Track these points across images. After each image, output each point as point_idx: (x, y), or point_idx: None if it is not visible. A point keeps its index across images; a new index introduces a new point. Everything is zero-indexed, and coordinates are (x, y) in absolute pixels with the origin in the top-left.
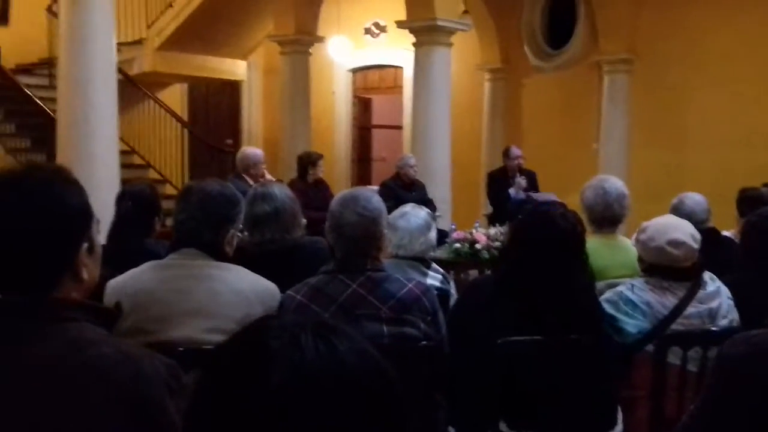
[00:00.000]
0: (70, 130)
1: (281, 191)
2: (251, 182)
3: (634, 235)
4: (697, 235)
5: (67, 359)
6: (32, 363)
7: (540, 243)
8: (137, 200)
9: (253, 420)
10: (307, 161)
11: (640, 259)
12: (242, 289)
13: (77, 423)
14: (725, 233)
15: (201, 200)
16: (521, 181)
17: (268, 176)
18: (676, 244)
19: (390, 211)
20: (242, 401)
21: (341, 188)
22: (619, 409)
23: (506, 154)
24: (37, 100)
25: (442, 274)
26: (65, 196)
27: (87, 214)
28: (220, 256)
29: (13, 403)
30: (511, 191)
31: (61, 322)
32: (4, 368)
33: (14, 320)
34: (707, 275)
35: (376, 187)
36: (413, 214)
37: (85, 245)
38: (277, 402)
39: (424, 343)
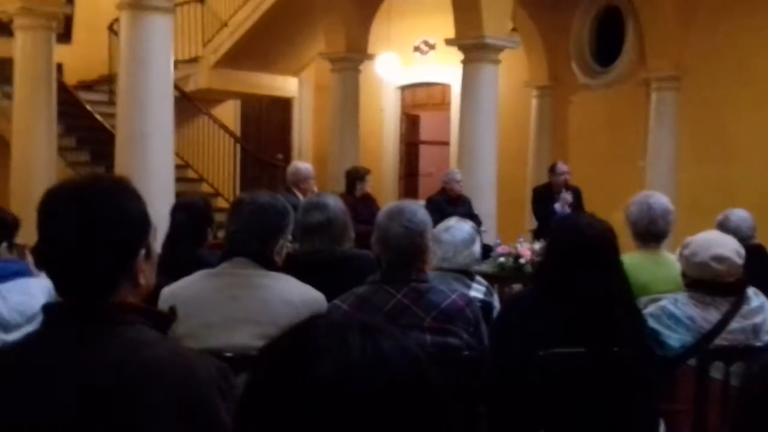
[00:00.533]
0: (128, 145)
1: (335, 202)
2: (301, 196)
3: (678, 250)
4: (741, 251)
5: (124, 360)
6: (91, 364)
7: (570, 252)
8: (191, 211)
9: (299, 413)
10: (355, 176)
11: (684, 275)
12: (290, 297)
13: (133, 422)
14: None
15: (252, 211)
16: (567, 196)
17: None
18: (719, 259)
19: (435, 225)
20: (289, 395)
21: (389, 203)
22: (662, 422)
23: (552, 169)
24: (97, 116)
25: (486, 287)
26: (125, 205)
27: (145, 222)
28: (270, 265)
29: (72, 403)
30: (557, 206)
31: (119, 325)
32: (66, 370)
33: (75, 323)
34: (751, 290)
35: (422, 202)
36: (458, 227)
37: (143, 252)
38: (323, 396)
39: (467, 353)
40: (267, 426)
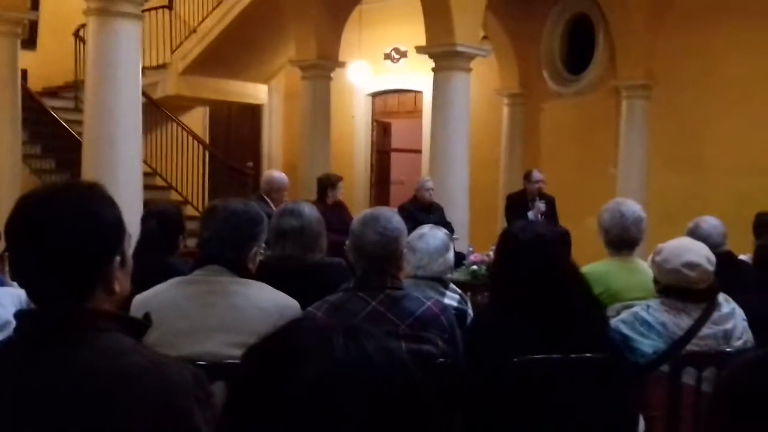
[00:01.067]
0: (95, 152)
1: (311, 211)
2: (273, 206)
3: (650, 257)
4: (713, 258)
5: (99, 368)
6: (65, 371)
7: (505, 259)
8: (162, 219)
9: (285, 415)
10: (327, 183)
11: (656, 281)
12: (264, 305)
13: (108, 430)
14: (742, 257)
15: (226, 218)
16: (540, 205)
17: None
18: (691, 266)
19: (408, 233)
20: (275, 396)
21: (360, 210)
22: (642, 421)
23: (527, 177)
24: (63, 123)
25: (460, 295)
26: (100, 211)
27: (120, 228)
28: (244, 272)
29: (46, 410)
30: (530, 215)
31: (93, 332)
32: (39, 376)
33: (49, 330)
34: (722, 297)
35: (394, 210)
36: (431, 235)
37: (118, 259)
38: (309, 398)
39: (441, 360)
40: (253, 428)
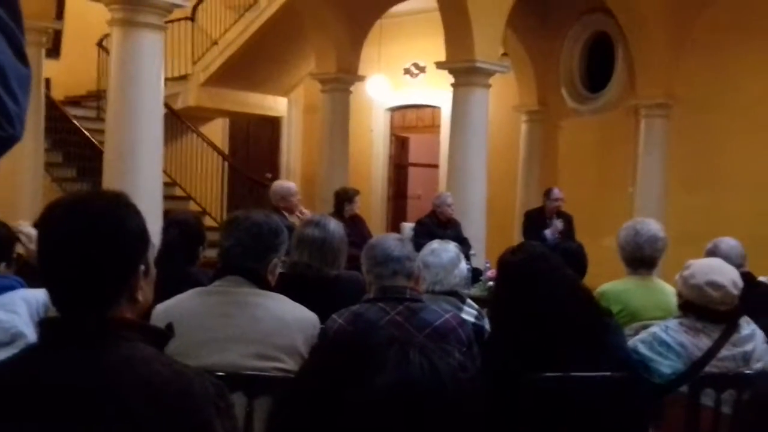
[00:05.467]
0: (116, 161)
1: (336, 227)
2: (287, 216)
3: (676, 276)
4: (739, 282)
5: (121, 376)
6: (88, 379)
7: (500, 279)
8: (183, 229)
9: (352, 417)
10: (344, 197)
11: (679, 294)
12: (283, 316)
13: None
14: (761, 278)
15: (246, 229)
16: (558, 223)
17: (305, 211)
18: (715, 286)
19: None
20: (344, 400)
21: (377, 224)
22: None
23: (547, 194)
24: (85, 131)
25: (477, 310)
26: (125, 221)
27: (145, 238)
28: (263, 283)
29: (67, 417)
30: (547, 233)
31: (116, 340)
32: (61, 383)
33: (72, 338)
34: (743, 318)
35: (411, 224)
36: (442, 249)
37: (142, 268)
38: (378, 403)
39: (462, 378)
40: (318, 423)
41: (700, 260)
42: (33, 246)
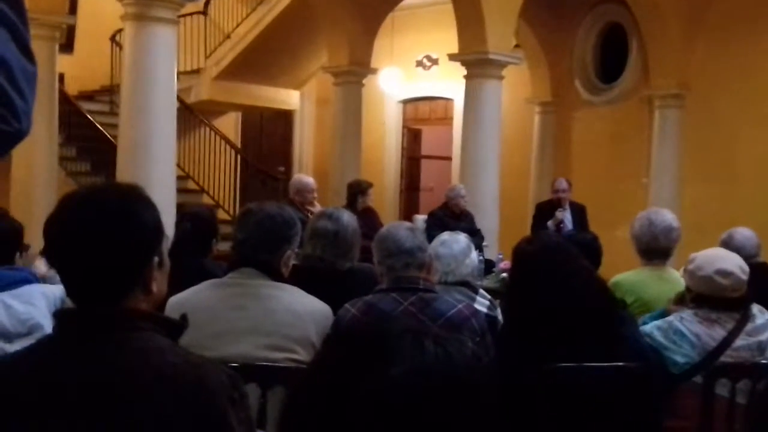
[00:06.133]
0: (130, 155)
1: (350, 220)
2: (302, 210)
3: (683, 267)
4: (745, 267)
5: (136, 367)
6: (103, 370)
7: (514, 269)
8: (196, 222)
9: (366, 408)
10: (357, 189)
11: (688, 289)
12: (296, 308)
13: (144, 429)
14: None
15: (260, 221)
16: (559, 214)
17: (318, 206)
18: (724, 273)
19: None
20: (359, 389)
21: (389, 217)
22: None
23: (552, 186)
24: (98, 126)
25: (490, 301)
26: (140, 213)
27: (159, 230)
28: (277, 276)
29: (83, 407)
30: (549, 224)
31: (131, 331)
32: (76, 374)
33: (87, 329)
34: (756, 308)
35: (424, 216)
36: (452, 239)
37: (156, 259)
38: (392, 394)
39: (478, 368)
40: (332, 414)
41: (702, 252)
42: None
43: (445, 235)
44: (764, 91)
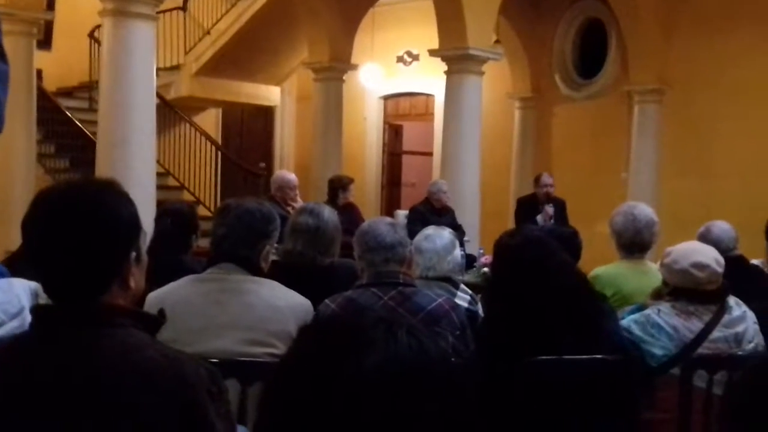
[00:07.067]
0: (109, 152)
1: (330, 215)
2: (283, 206)
3: (660, 261)
4: (721, 260)
5: (114, 363)
6: (81, 366)
7: (496, 263)
8: (176, 218)
9: (340, 397)
10: (338, 185)
11: (665, 283)
12: (276, 303)
13: (122, 425)
14: (754, 262)
15: (239, 216)
16: (549, 209)
17: (300, 203)
18: (700, 266)
19: None
20: (333, 380)
21: (371, 212)
22: None
23: (537, 181)
24: (77, 123)
25: (471, 296)
26: (117, 208)
27: (136, 225)
28: (256, 271)
29: (61, 404)
30: (539, 218)
31: (109, 327)
32: (54, 370)
33: (65, 325)
34: (733, 300)
35: (405, 212)
36: (437, 234)
37: (134, 254)
38: (365, 384)
39: (452, 360)
40: (305, 406)
41: (678, 246)
42: None
43: (430, 230)
44: (742, 84)
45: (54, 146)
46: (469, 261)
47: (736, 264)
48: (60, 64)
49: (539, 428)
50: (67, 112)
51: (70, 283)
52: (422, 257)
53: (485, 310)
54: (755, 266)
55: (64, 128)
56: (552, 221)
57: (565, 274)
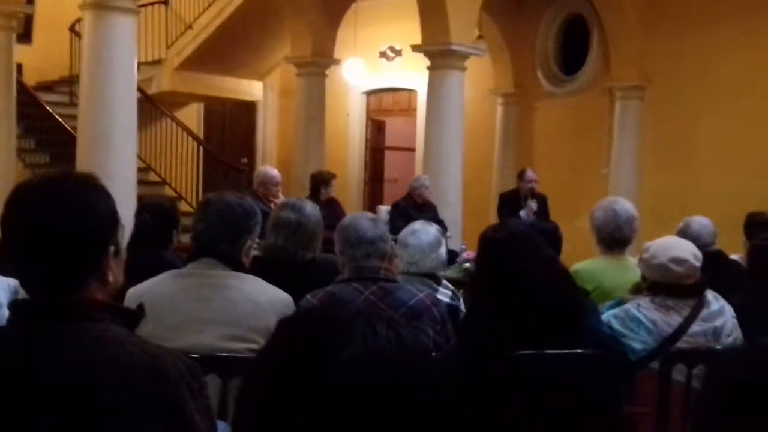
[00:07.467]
0: (90, 147)
1: (312, 210)
2: (265, 202)
3: (638, 256)
4: (699, 254)
5: (92, 357)
6: (59, 361)
7: (480, 256)
8: (156, 213)
9: (319, 390)
10: (320, 180)
11: (644, 278)
12: (258, 298)
13: (101, 420)
14: (733, 257)
15: (220, 211)
16: (532, 204)
17: (282, 198)
18: (678, 261)
19: (401, 231)
20: (312, 372)
21: (353, 208)
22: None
23: (521, 176)
24: (58, 117)
25: (452, 291)
26: (95, 202)
27: (114, 219)
28: (237, 266)
29: (39, 399)
30: (522, 213)
31: (87, 321)
32: (32, 366)
33: (43, 320)
34: (711, 294)
35: (387, 207)
36: (423, 231)
37: (112, 249)
38: (344, 376)
39: (434, 354)
40: (285, 398)
41: (656, 241)
42: None
43: (417, 225)
44: (722, 81)
45: (34, 141)
46: (451, 256)
47: (715, 259)
48: (40, 58)
49: (521, 422)
50: (48, 107)
51: (48, 277)
52: (406, 252)
53: (468, 304)
54: (734, 261)
55: (45, 123)
56: (535, 217)
57: (549, 269)
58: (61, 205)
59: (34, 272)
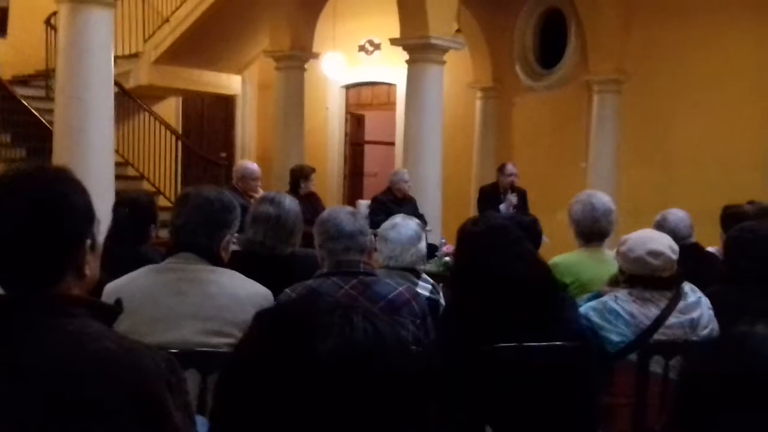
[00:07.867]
0: (66, 141)
1: (292, 204)
2: (245, 197)
3: (616, 249)
4: (675, 247)
5: (69, 353)
6: (34, 357)
7: (459, 249)
8: (133, 207)
9: (296, 383)
10: (300, 175)
11: (621, 271)
12: (237, 293)
13: (78, 417)
14: (710, 249)
15: (198, 205)
16: (512, 198)
17: (261, 192)
18: (655, 254)
19: (380, 225)
20: (290, 364)
21: (333, 202)
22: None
23: (501, 170)
24: (34, 111)
25: (432, 285)
26: (70, 196)
27: (90, 212)
28: (216, 260)
29: (15, 395)
30: (502, 207)
31: (63, 316)
32: (7, 361)
33: (18, 315)
34: (688, 287)
35: (367, 201)
36: (403, 225)
37: (88, 242)
38: (321, 369)
39: (414, 348)
40: (262, 391)
41: (633, 234)
42: None
43: (398, 219)
44: (698, 75)
45: (10, 136)
46: (431, 250)
47: (691, 251)
48: (15, 52)
49: (499, 414)
50: (23, 101)
51: (24, 272)
52: (386, 247)
53: (450, 296)
54: (711, 253)
55: (21, 117)
56: (514, 210)
57: (528, 262)
58: (36, 200)
59: (10, 267)
